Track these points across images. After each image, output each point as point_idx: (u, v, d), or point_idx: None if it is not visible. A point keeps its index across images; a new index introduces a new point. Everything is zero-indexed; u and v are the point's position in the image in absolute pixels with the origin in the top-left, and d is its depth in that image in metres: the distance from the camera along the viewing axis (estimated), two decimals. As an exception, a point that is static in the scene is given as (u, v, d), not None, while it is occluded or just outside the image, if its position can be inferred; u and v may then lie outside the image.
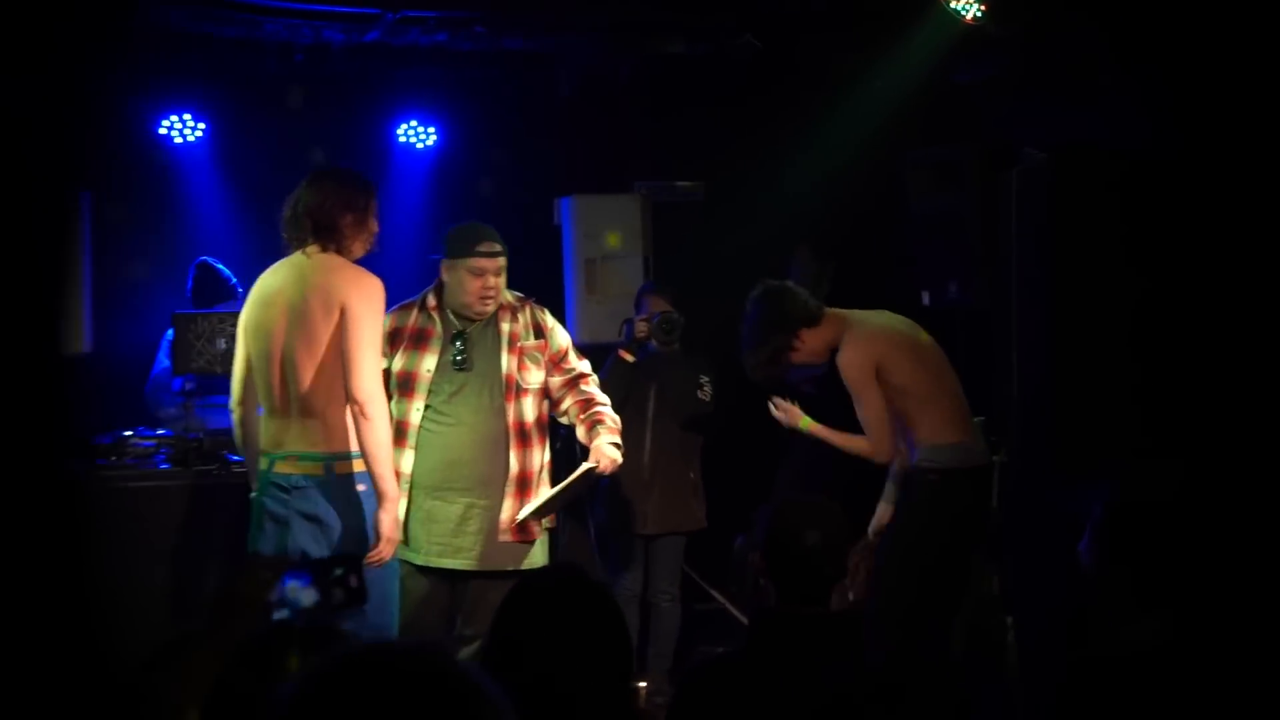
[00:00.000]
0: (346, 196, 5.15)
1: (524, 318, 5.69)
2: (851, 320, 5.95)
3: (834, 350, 5.97)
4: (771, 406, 6.04)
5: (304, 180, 5.21)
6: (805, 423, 5.99)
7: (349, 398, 5.00)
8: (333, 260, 5.10)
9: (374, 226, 5.22)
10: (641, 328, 6.70)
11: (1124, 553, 3.30)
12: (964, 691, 5.75)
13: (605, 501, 6.80)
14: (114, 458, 6.59)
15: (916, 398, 5.78)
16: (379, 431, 5.01)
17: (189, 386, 6.74)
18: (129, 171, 7.72)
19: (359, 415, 4.98)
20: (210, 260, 7.35)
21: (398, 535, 5.14)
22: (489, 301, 5.52)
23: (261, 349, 5.17)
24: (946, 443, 5.76)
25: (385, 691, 1.52)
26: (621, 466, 6.04)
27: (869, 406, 5.74)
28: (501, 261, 5.54)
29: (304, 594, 2.53)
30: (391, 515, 5.05)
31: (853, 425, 5.86)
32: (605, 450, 5.59)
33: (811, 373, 6.05)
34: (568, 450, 6.26)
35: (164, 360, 7.09)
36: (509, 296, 5.68)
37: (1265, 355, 5.01)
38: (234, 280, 7.27)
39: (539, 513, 5.59)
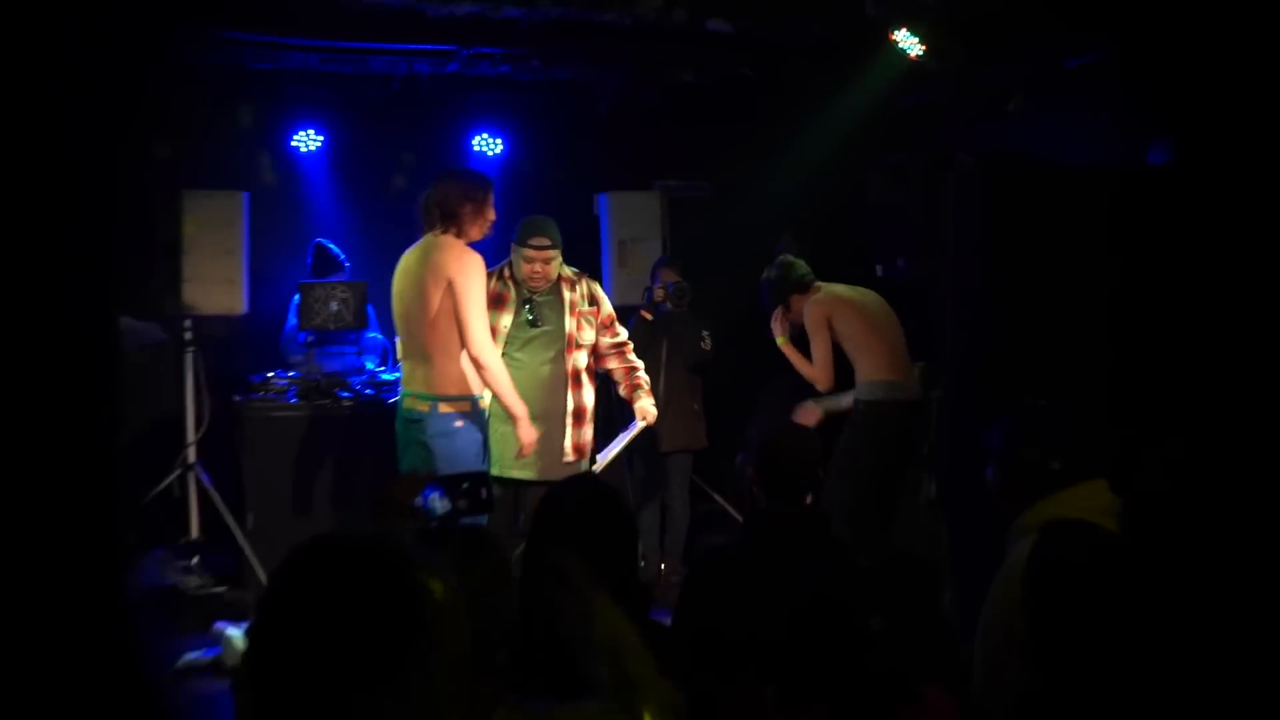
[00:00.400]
0: (467, 190, 5.17)
1: (581, 288, 5.74)
2: (821, 287, 6.16)
3: None
4: (772, 320, 6.28)
5: (436, 177, 5.26)
6: (781, 340, 6.24)
7: (467, 353, 5.08)
8: (447, 240, 5.11)
9: (491, 215, 5.21)
10: (658, 293, 6.84)
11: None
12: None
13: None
14: (261, 393, 6.76)
15: (856, 345, 6.03)
16: (496, 374, 5.12)
17: (310, 339, 6.89)
18: (270, 174, 7.84)
19: (477, 366, 5.08)
20: (324, 241, 7.39)
21: (533, 439, 5.24)
22: (536, 282, 5.56)
23: (397, 310, 5.27)
24: (879, 380, 5.99)
25: (342, 569, 1.50)
26: None
27: (817, 347, 6.05)
28: (549, 254, 5.54)
29: (439, 503, 2.56)
30: (525, 426, 5.18)
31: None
32: (648, 409, 5.87)
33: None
34: (603, 388, 6.37)
35: (292, 319, 7.20)
36: (568, 271, 5.71)
37: (1145, 318, 5.05)
38: (342, 256, 7.34)
39: (611, 462, 5.89)
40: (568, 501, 3.05)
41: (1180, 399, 4.82)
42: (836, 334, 6.06)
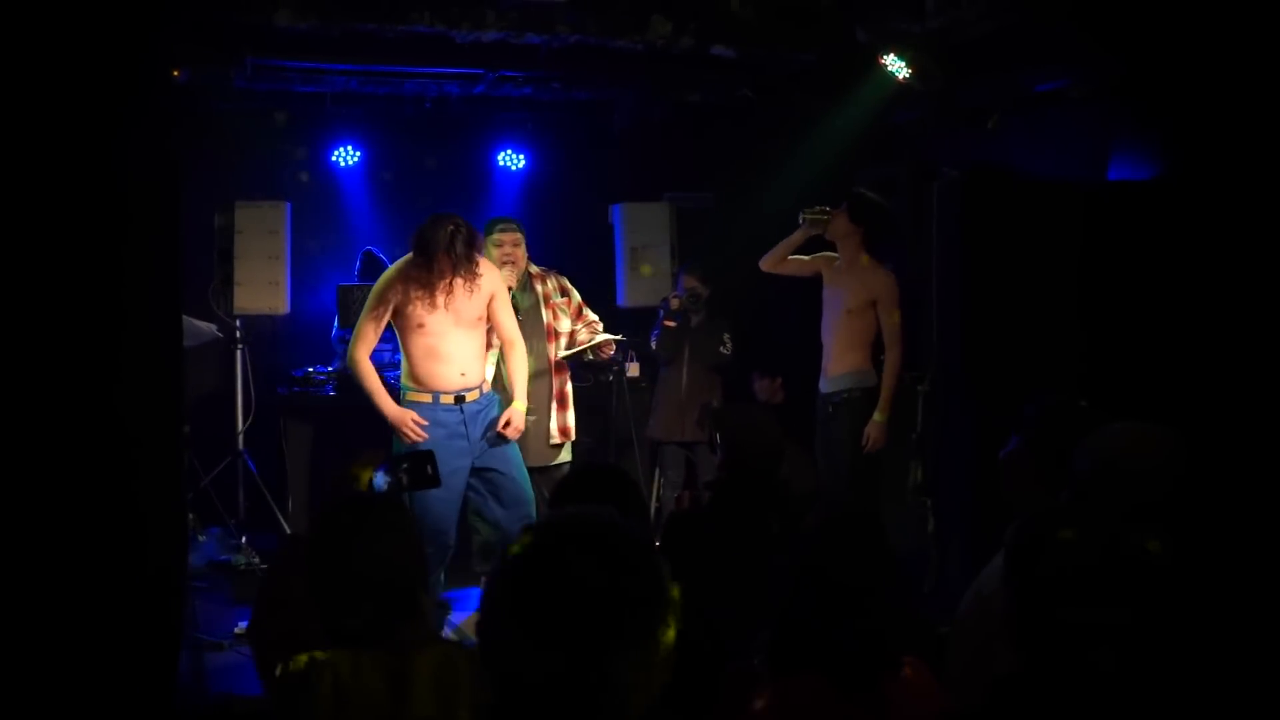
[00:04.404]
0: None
1: (551, 282, 5.97)
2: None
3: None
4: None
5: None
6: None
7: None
8: None
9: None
10: (674, 302, 6.87)
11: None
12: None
13: (658, 419, 6.99)
14: (302, 386, 6.84)
15: (872, 332, 6.10)
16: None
17: (347, 336, 6.91)
18: (311, 186, 7.88)
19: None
20: (373, 249, 7.41)
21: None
22: (509, 265, 5.72)
23: None
24: (868, 369, 6.12)
25: (605, 549, 1.52)
26: (665, 396, 6.63)
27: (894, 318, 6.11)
28: (518, 235, 5.78)
29: (380, 478, 2.66)
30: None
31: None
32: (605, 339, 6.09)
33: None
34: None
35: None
36: (535, 268, 5.85)
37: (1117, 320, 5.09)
38: (389, 263, 7.29)
39: (571, 357, 6.08)
40: (582, 484, 3.13)
41: (1148, 392, 4.81)
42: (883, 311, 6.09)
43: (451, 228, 5.03)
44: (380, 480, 2.66)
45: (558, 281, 6.03)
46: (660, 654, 1.53)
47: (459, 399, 5.22)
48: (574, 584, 1.47)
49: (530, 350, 5.66)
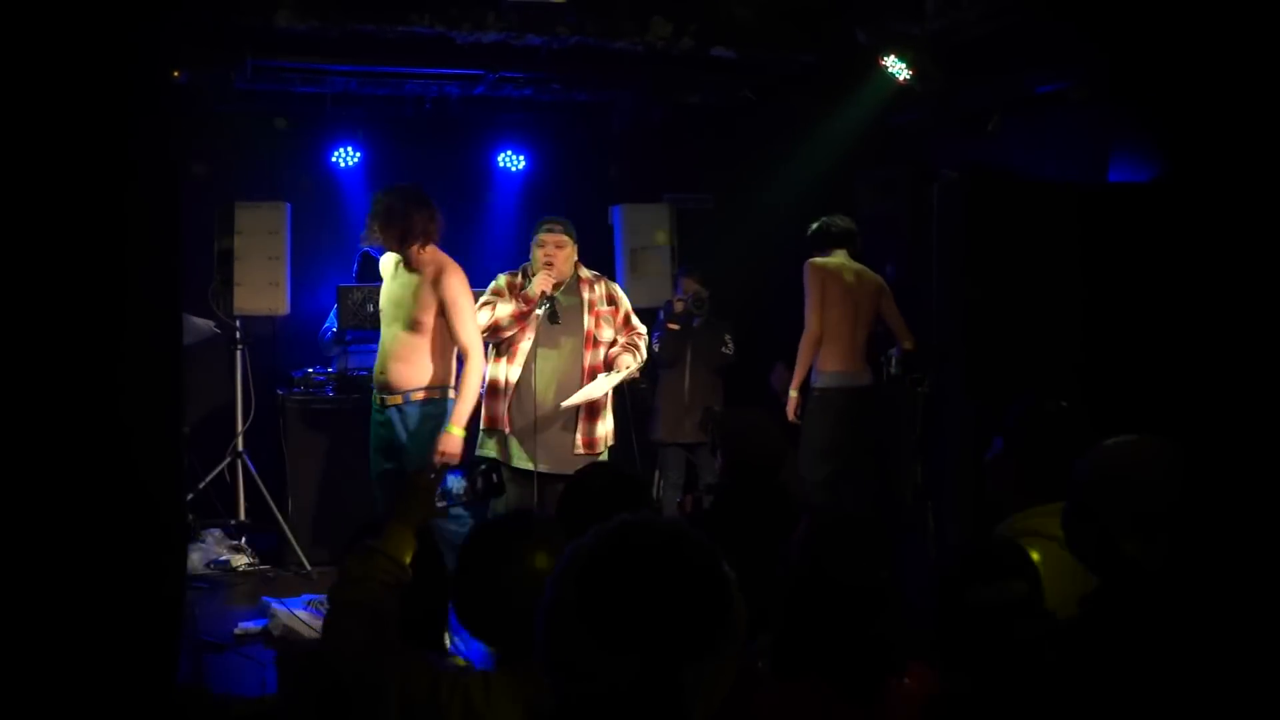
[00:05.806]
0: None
1: (600, 289, 5.52)
2: (833, 253, 6.30)
3: None
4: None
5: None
6: None
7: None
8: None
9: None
10: (678, 305, 6.87)
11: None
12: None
13: (660, 421, 6.96)
14: (302, 387, 6.82)
15: (827, 329, 6.15)
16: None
17: (346, 337, 6.94)
18: (311, 187, 7.85)
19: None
20: (370, 250, 7.10)
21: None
22: (550, 268, 5.29)
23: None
24: (833, 371, 6.16)
25: (650, 549, 1.51)
26: (667, 398, 6.57)
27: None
28: (561, 239, 5.34)
29: (455, 483, 2.61)
30: None
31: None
32: (624, 361, 5.48)
33: None
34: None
35: (331, 319, 7.20)
36: (586, 273, 5.50)
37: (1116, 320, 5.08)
38: None
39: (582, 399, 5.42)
40: (590, 485, 3.11)
41: (1147, 394, 4.81)
42: (824, 303, 6.17)
43: (387, 201, 4.97)
44: (454, 483, 2.61)
45: (607, 289, 5.59)
46: (728, 664, 1.52)
47: (382, 401, 5.09)
48: (653, 591, 1.46)
49: (561, 349, 5.40)
